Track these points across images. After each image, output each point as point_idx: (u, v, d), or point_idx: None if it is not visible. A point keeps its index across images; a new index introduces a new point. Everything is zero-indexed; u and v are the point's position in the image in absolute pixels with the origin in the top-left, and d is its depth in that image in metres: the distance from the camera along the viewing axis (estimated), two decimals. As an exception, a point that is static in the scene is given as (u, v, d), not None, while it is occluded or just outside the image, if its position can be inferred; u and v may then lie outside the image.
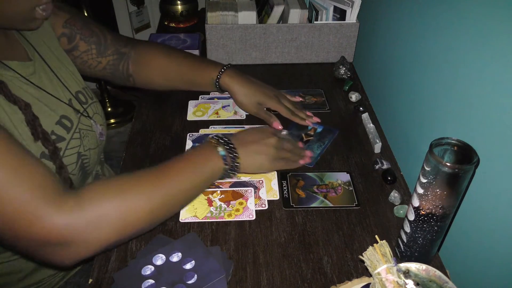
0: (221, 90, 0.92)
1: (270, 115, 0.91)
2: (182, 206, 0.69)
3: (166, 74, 0.93)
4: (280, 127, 0.89)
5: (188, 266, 0.61)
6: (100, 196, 0.57)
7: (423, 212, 0.57)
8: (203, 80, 0.92)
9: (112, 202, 0.58)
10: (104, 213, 0.57)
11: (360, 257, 0.54)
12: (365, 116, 0.94)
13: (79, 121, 0.77)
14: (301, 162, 0.81)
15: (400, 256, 0.65)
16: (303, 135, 0.89)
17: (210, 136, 0.72)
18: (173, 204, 0.65)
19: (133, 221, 0.60)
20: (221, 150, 0.70)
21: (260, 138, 0.76)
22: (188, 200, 0.69)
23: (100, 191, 0.58)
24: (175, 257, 0.62)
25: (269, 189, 0.78)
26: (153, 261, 0.61)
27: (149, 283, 0.59)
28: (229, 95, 0.99)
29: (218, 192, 0.76)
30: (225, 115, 0.95)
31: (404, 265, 0.53)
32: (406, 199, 0.76)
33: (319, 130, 0.91)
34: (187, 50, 1.03)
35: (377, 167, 0.82)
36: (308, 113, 0.94)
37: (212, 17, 1.09)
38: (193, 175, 0.66)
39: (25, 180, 0.53)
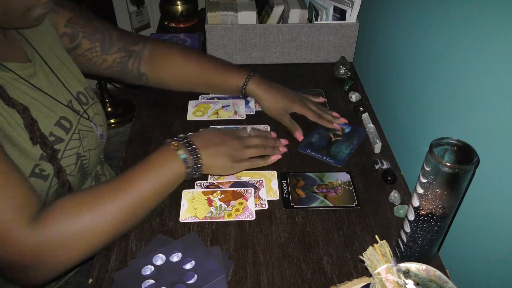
0: (245, 96, 0.94)
1: (294, 124, 0.90)
2: (149, 212, 0.68)
3: (184, 77, 0.92)
4: (302, 137, 0.88)
5: (188, 266, 0.61)
6: (67, 215, 0.58)
7: (423, 212, 0.57)
8: (228, 87, 0.92)
9: (80, 219, 0.59)
10: (73, 232, 0.58)
11: (360, 257, 0.54)
12: (365, 116, 0.94)
13: (79, 122, 0.76)
14: (274, 158, 0.80)
15: (400, 256, 0.65)
16: (331, 135, 0.90)
17: (170, 139, 0.72)
18: (139, 212, 0.66)
19: (101, 236, 0.61)
20: (181, 153, 0.69)
21: (223, 139, 0.76)
22: (153, 206, 0.69)
23: (67, 209, 0.59)
24: (175, 257, 0.62)
25: (269, 189, 0.78)
26: (153, 261, 0.61)
27: (149, 283, 0.59)
28: (228, 95, 1.00)
29: (218, 192, 0.76)
30: (225, 115, 0.95)
31: (404, 265, 0.53)
32: (406, 199, 0.76)
33: (347, 130, 0.91)
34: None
35: (377, 167, 0.82)
36: (335, 114, 0.94)
37: (212, 17, 1.09)
38: (155, 181, 0.66)
39: (6, 200, 0.54)
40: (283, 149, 0.82)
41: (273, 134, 0.85)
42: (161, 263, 0.61)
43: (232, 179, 0.79)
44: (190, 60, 0.92)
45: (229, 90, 0.94)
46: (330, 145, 0.87)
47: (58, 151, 0.70)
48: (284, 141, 0.84)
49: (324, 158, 0.84)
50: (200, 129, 0.78)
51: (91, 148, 0.79)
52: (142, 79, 0.92)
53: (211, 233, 0.70)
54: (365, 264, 0.53)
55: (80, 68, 0.85)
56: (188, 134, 0.75)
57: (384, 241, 0.54)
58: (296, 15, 1.10)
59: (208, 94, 1.01)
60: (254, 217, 0.72)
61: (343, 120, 0.92)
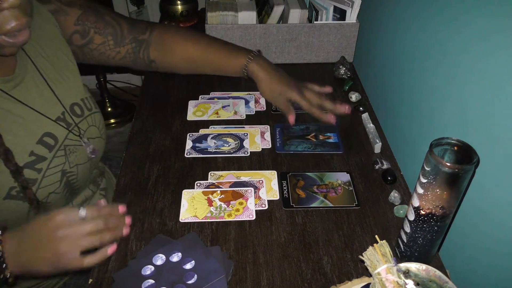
0: (249, 77, 0.92)
1: (288, 106, 0.89)
2: None
3: (191, 61, 0.92)
4: (293, 121, 0.88)
5: (188, 266, 0.61)
6: None
7: (423, 212, 0.57)
8: (231, 68, 0.91)
9: None
10: None
11: (360, 257, 0.54)
12: (365, 116, 0.94)
13: (66, 137, 0.73)
14: (110, 250, 0.64)
15: (400, 256, 0.65)
16: (312, 135, 0.89)
17: None
18: None
19: None
20: None
21: (46, 237, 0.60)
22: None
23: None
24: (175, 257, 0.62)
25: (269, 189, 0.78)
26: (153, 261, 0.62)
27: (149, 283, 0.59)
28: (228, 95, 1.00)
29: (218, 192, 0.76)
30: (225, 115, 0.95)
31: (404, 265, 0.53)
32: (406, 199, 0.76)
33: (331, 140, 0.89)
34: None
35: (377, 167, 0.82)
36: (339, 105, 0.90)
37: (212, 17, 1.09)
38: None
39: None
40: (126, 231, 0.67)
41: (121, 209, 0.68)
42: (161, 263, 0.61)
43: (232, 179, 0.79)
44: (197, 46, 0.91)
45: (234, 72, 0.92)
46: (301, 136, 0.89)
47: (40, 170, 0.68)
48: (128, 220, 0.68)
49: (278, 139, 0.87)
50: (32, 221, 0.62)
51: (80, 162, 0.76)
52: (152, 66, 0.92)
53: (211, 233, 0.70)
54: (365, 264, 0.53)
55: (94, 61, 0.84)
56: (9, 232, 0.61)
57: (384, 241, 0.54)
58: (296, 15, 1.10)
59: (208, 93, 1.01)
60: (254, 217, 0.72)
61: (343, 109, 0.89)
